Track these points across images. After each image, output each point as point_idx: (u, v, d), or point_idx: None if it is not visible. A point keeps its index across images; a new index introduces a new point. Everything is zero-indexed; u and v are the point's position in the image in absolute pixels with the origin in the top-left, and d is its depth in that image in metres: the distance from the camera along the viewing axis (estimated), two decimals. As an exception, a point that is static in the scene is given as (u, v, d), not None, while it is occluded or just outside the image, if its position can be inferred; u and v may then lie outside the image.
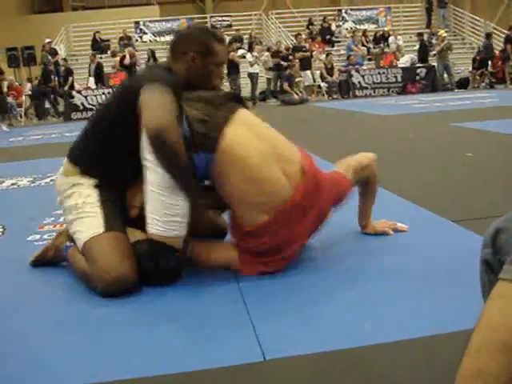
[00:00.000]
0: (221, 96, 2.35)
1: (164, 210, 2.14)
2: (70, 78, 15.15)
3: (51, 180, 5.01)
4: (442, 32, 16.33)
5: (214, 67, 2.40)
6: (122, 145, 2.34)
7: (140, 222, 2.26)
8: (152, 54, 15.75)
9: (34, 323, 1.99)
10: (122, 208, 2.39)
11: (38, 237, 3.10)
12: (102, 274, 2.12)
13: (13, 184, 5.01)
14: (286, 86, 14.22)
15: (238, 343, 1.72)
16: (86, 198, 2.33)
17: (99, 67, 15.36)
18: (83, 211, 2.31)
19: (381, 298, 1.99)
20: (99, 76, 15.26)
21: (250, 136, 2.22)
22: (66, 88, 14.91)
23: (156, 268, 2.18)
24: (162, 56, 16.36)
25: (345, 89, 15.33)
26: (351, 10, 20.18)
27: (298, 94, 14.32)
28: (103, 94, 14.27)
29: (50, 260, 2.56)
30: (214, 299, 2.08)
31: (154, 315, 1.99)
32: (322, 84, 15.51)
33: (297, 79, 14.81)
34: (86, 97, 14.23)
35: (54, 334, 1.90)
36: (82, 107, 14.17)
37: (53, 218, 3.49)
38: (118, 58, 15.48)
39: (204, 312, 1.98)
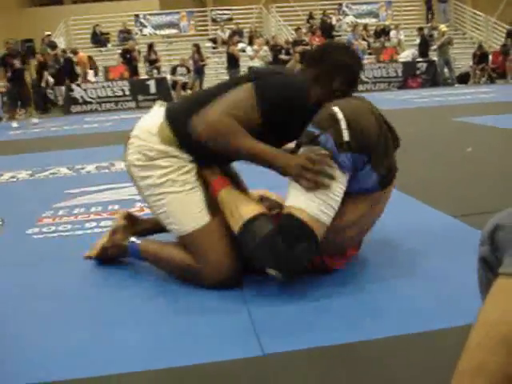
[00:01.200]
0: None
1: (321, 193, 1.90)
2: (45, 73, 14.37)
3: (50, 173, 5.01)
4: (442, 26, 16.27)
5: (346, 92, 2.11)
6: None
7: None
8: (149, 48, 15.63)
9: (34, 318, 1.99)
10: None
11: (36, 230, 3.09)
12: (212, 272, 2.07)
13: (12, 177, 5.00)
14: None
15: (237, 338, 1.72)
16: (185, 175, 2.12)
17: (69, 62, 14.80)
18: (181, 191, 2.10)
19: (381, 293, 1.99)
20: (70, 72, 14.62)
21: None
22: (43, 84, 14.30)
23: (289, 254, 1.90)
24: (161, 49, 16.34)
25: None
26: (352, 4, 20.11)
27: None
28: (103, 87, 14.25)
29: (109, 257, 2.44)
30: (214, 295, 2.07)
31: (155, 310, 1.99)
32: (322, 78, 15.47)
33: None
34: (85, 90, 14.20)
35: (56, 328, 1.90)
36: (81, 100, 14.14)
37: (52, 212, 3.49)
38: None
39: (203, 307, 1.98)
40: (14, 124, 11.02)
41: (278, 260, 1.92)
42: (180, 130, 2.12)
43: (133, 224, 2.54)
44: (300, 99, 2.05)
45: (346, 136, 1.89)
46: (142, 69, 15.51)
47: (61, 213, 3.46)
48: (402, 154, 2.23)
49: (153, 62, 15.30)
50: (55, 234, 3.00)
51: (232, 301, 1.99)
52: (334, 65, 2.11)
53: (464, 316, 1.56)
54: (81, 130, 9.58)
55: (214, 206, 2.11)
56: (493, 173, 3.91)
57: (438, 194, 3.38)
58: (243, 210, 2.02)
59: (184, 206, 2.10)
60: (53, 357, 1.68)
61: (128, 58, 14.95)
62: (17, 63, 11.23)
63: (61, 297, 2.17)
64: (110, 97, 14.28)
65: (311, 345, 1.63)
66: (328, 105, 1.97)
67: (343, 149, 1.89)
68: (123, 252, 2.40)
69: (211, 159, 2.15)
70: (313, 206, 1.90)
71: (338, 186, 1.92)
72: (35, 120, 11.27)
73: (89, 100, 14.17)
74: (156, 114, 2.22)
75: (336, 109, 1.93)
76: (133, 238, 2.39)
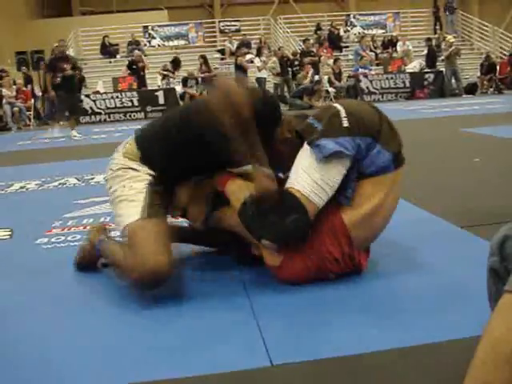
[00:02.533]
0: None
1: (319, 174, 2.07)
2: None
3: (59, 184, 5.04)
4: (449, 37, 16.26)
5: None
6: (191, 150, 2.30)
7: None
8: (174, 61, 15.68)
9: (42, 327, 2.00)
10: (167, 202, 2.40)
11: (45, 240, 3.11)
12: (137, 264, 2.09)
13: (21, 187, 5.03)
14: (306, 99, 13.97)
15: (245, 348, 1.72)
16: (135, 182, 2.30)
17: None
18: (127, 194, 2.28)
19: (388, 304, 1.99)
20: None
21: None
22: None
23: (281, 224, 2.07)
24: (169, 61, 16.40)
25: (353, 94, 15.31)
26: (359, 15, 20.17)
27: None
28: (112, 98, 14.33)
29: (89, 259, 2.52)
30: (222, 304, 2.08)
31: (162, 319, 1.99)
32: (330, 89, 15.51)
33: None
34: (94, 101, 14.28)
35: (62, 337, 1.90)
36: (90, 111, 14.21)
37: (61, 222, 3.51)
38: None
39: (211, 316, 1.98)
40: (56, 133, 10.19)
41: (270, 230, 2.10)
42: (144, 148, 2.36)
43: None
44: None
45: (345, 123, 2.11)
46: (152, 80, 15.59)
47: (70, 223, 3.48)
48: (409, 164, 2.24)
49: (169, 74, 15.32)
50: (64, 244, 3.01)
51: (240, 311, 1.99)
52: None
53: (471, 328, 1.56)
54: (90, 140, 9.63)
55: (154, 210, 2.24)
56: (501, 183, 3.90)
57: (446, 204, 3.37)
58: (246, 193, 2.19)
59: (125, 206, 2.27)
60: (59, 365, 1.69)
61: (134, 68, 15.02)
62: (67, 68, 10.00)
63: (68, 306, 2.18)
64: (118, 107, 14.36)
65: (319, 356, 1.63)
66: (330, 103, 2.24)
67: (342, 133, 2.09)
68: (95, 247, 2.49)
69: (173, 175, 2.38)
70: (307, 187, 2.07)
71: (336, 172, 2.09)
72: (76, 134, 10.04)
73: (98, 111, 14.24)
74: (128, 139, 2.46)
75: (336, 104, 2.22)
76: (103, 237, 2.50)
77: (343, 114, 2.13)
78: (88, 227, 3.32)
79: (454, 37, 17.37)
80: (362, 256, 2.23)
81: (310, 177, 2.08)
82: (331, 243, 2.12)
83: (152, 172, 2.33)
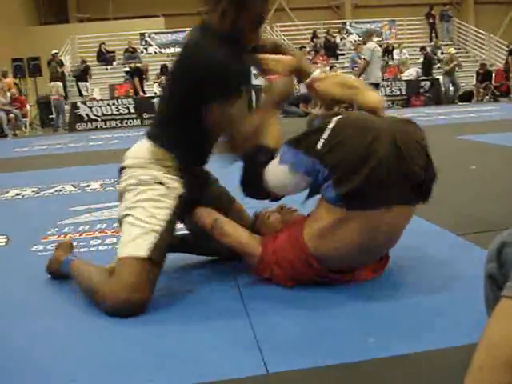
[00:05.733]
0: None
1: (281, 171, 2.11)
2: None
3: (55, 190, 5.03)
4: (451, 49, 16.16)
5: (247, 24, 2.15)
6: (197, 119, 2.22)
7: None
8: (161, 69, 15.76)
9: (37, 334, 1.98)
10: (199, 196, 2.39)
11: (41, 247, 3.10)
12: (114, 291, 2.04)
13: (17, 194, 5.02)
14: (302, 107, 13.99)
15: (241, 356, 1.71)
16: (157, 209, 2.16)
17: None
18: (144, 221, 2.14)
19: (385, 312, 1.99)
20: None
21: None
22: None
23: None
24: (167, 68, 16.41)
25: (348, 101, 15.30)
26: (355, 22, 20.25)
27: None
28: (108, 105, 14.34)
29: (56, 273, 2.50)
30: (217, 311, 2.07)
31: (155, 326, 1.98)
32: (326, 96, 15.48)
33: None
34: (90, 108, 14.29)
35: (57, 345, 1.89)
36: (86, 118, 14.22)
37: (56, 229, 3.49)
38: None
39: (206, 324, 1.97)
40: None
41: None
42: (161, 133, 2.29)
43: None
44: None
45: (319, 144, 1.99)
46: (148, 86, 15.61)
47: (66, 230, 3.47)
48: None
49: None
50: (60, 251, 2.99)
51: (236, 319, 1.98)
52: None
53: (467, 335, 1.56)
54: (86, 147, 9.62)
55: (159, 253, 2.12)
56: (497, 191, 3.90)
57: (442, 211, 3.37)
58: None
59: (136, 235, 2.12)
60: (53, 372, 1.68)
61: (140, 76, 15.05)
62: None
63: (65, 313, 2.17)
64: (115, 114, 14.37)
65: (315, 363, 1.62)
66: (339, 113, 2.13)
67: (308, 152, 2.01)
68: (61, 267, 2.44)
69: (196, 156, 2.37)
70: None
71: (293, 179, 2.09)
72: None
73: (94, 118, 14.25)
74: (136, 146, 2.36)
75: (336, 118, 2.05)
76: (70, 256, 2.46)
77: (327, 133, 2.00)
78: (84, 234, 3.32)
79: (450, 44, 17.41)
80: (361, 270, 2.24)
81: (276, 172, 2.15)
82: (290, 248, 2.14)
83: (181, 186, 2.25)
